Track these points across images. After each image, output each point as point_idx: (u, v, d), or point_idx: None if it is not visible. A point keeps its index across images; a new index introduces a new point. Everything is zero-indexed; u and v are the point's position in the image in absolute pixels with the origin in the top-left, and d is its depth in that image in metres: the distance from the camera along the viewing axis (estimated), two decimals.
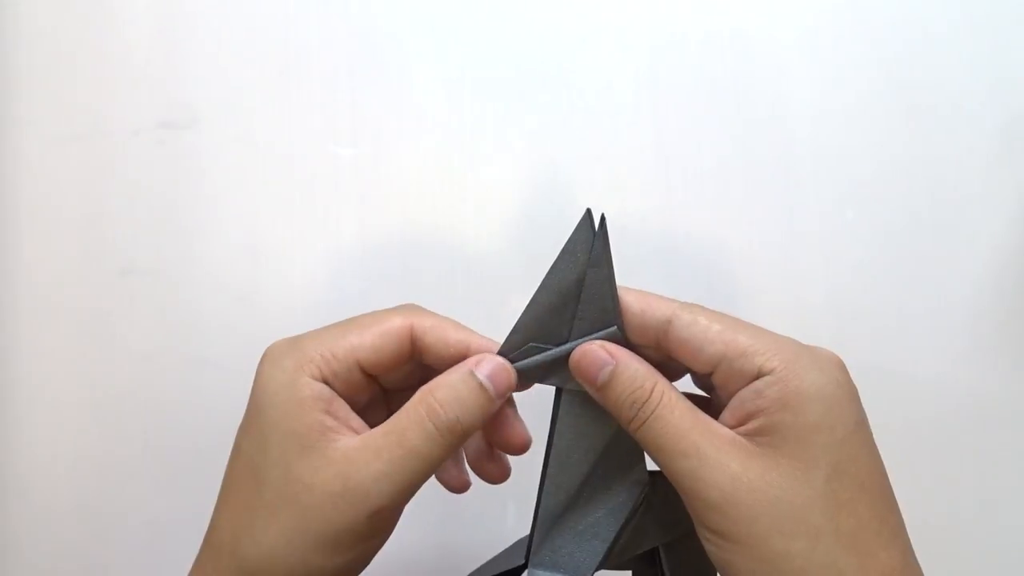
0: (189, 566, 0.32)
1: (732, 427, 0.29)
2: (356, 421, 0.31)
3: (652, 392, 0.29)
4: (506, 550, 0.36)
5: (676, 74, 0.49)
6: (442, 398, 0.30)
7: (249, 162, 0.49)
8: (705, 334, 0.30)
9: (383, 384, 0.34)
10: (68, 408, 0.48)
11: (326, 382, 0.30)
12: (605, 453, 0.32)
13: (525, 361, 0.31)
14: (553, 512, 0.32)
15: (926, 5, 0.49)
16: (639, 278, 0.48)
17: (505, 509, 0.47)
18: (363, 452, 0.29)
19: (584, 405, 0.32)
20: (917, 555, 0.29)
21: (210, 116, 0.49)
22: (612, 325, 0.31)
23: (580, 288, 0.31)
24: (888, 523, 0.28)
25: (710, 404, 0.32)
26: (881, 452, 0.29)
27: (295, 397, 0.30)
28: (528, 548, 0.32)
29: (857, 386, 0.29)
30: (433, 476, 0.32)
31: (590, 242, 0.30)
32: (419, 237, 0.48)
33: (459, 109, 0.49)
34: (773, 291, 0.48)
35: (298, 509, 0.29)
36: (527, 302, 0.31)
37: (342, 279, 0.48)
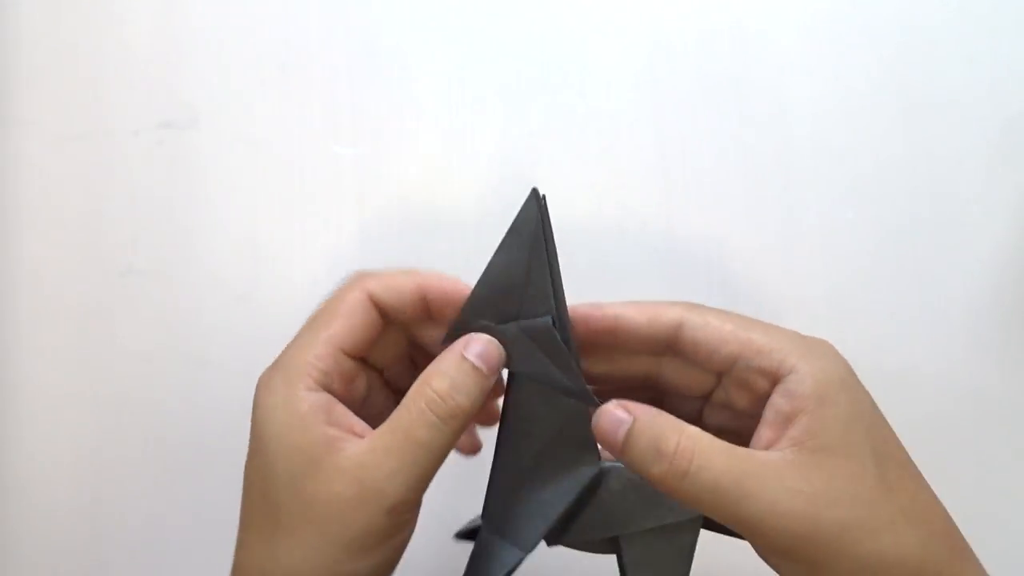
0: (189, 565, 0.32)
1: (775, 439, 0.29)
2: (359, 425, 0.31)
3: (679, 443, 0.28)
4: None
5: (676, 74, 0.49)
6: (439, 387, 0.30)
7: (249, 162, 0.49)
8: (719, 335, 0.30)
9: (378, 368, 0.34)
10: (68, 408, 0.48)
11: (322, 387, 0.30)
12: (557, 437, 0.32)
13: None
14: (505, 485, 0.32)
15: (925, 4, 0.49)
16: (639, 278, 0.48)
17: None
18: (373, 454, 0.29)
19: (534, 388, 0.32)
20: None
21: (210, 116, 0.49)
22: (547, 315, 0.30)
23: (527, 269, 0.30)
24: (925, 489, 0.29)
25: (709, 403, 0.33)
26: None
27: (294, 414, 0.29)
28: (484, 509, 0.33)
29: None
30: None
31: (535, 222, 0.30)
32: (419, 237, 0.48)
33: (459, 109, 0.49)
34: (773, 291, 0.48)
35: (317, 522, 0.29)
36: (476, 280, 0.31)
37: (342, 279, 0.48)
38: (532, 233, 0.30)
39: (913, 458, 0.30)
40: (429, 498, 0.31)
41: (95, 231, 0.48)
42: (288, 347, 0.32)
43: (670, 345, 0.31)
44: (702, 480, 0.27)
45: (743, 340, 0.30)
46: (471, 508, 0.33)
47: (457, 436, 0.30)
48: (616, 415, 0.29)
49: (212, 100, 0.49)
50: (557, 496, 0.32)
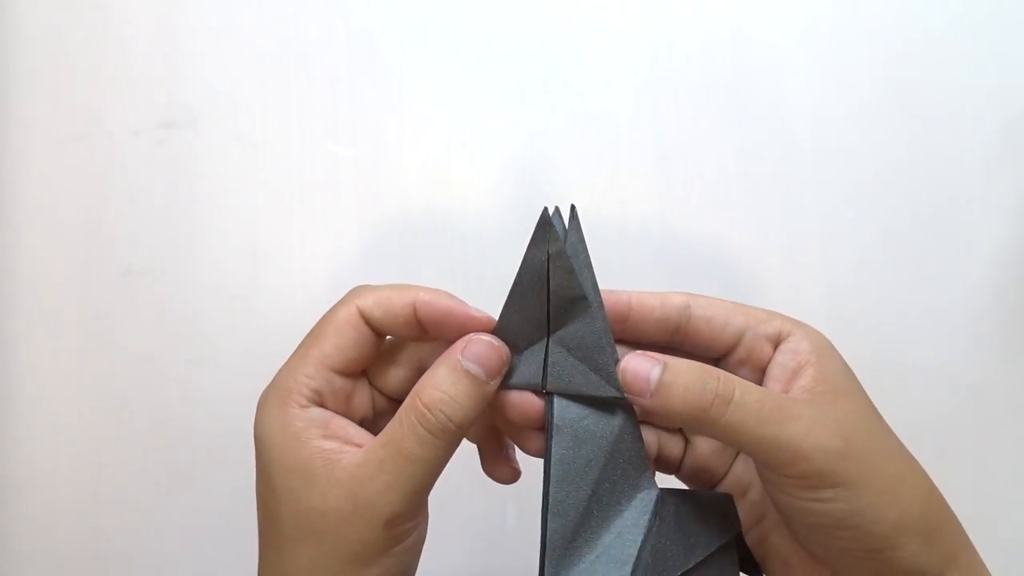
0: (189, 565, 0.32)
1: (784, 391, 0.30)
2: (358, 435, 0.30)
3: (719, 374, 0.29)
4: None
5: (676, 75, 0.49)
6: (428, 400, 0.29)
7: (249, 162, 0.49)
8: (726, 309, 0.32)
9: (384, 390, 0.33)
10: (68, 408, 0.48)
11: (314, 404, 0.30)
12: (609, 461, 0.30)
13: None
14: (562, 536, 0.29)
15: (926, 6, 0.49)
16: (639, 278, 0.48)
17: (505, 509, 0.47)
18: (366, 467, 0.29)
19: (579, 409, 0.30)
20: None
21: (210, 116, 0.49)
22: (586, 310, 0.29)
23: (546, 287, 0.30)
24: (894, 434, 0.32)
25: None
26: None
27: (288, 432, 0.30)
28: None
29: None
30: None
31: (546, 239, 0.29)
32: (418, 237, 0.48)
33: (459, 109, 0.49)
34: (773, 291, 0.48)
35: (316, 536, 0.29)
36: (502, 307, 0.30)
37: (342, 279, 0.48)
38: (546, 250, 0.29)
39: (915, 456, 0.31)
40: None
41: (95, 231, 0.48)
42: (283, 365, 0.31)
43: (680, 327, 0.32)
44: (748, 404, 0.28)
45: (745, 312, 0.32)
46: (454, 514, 0.32)
47: (453, 447, 0.30)
48: (644, 360, 0.29)
49: (212, 100, 0.49)
50: (627, 532, 0.30)
